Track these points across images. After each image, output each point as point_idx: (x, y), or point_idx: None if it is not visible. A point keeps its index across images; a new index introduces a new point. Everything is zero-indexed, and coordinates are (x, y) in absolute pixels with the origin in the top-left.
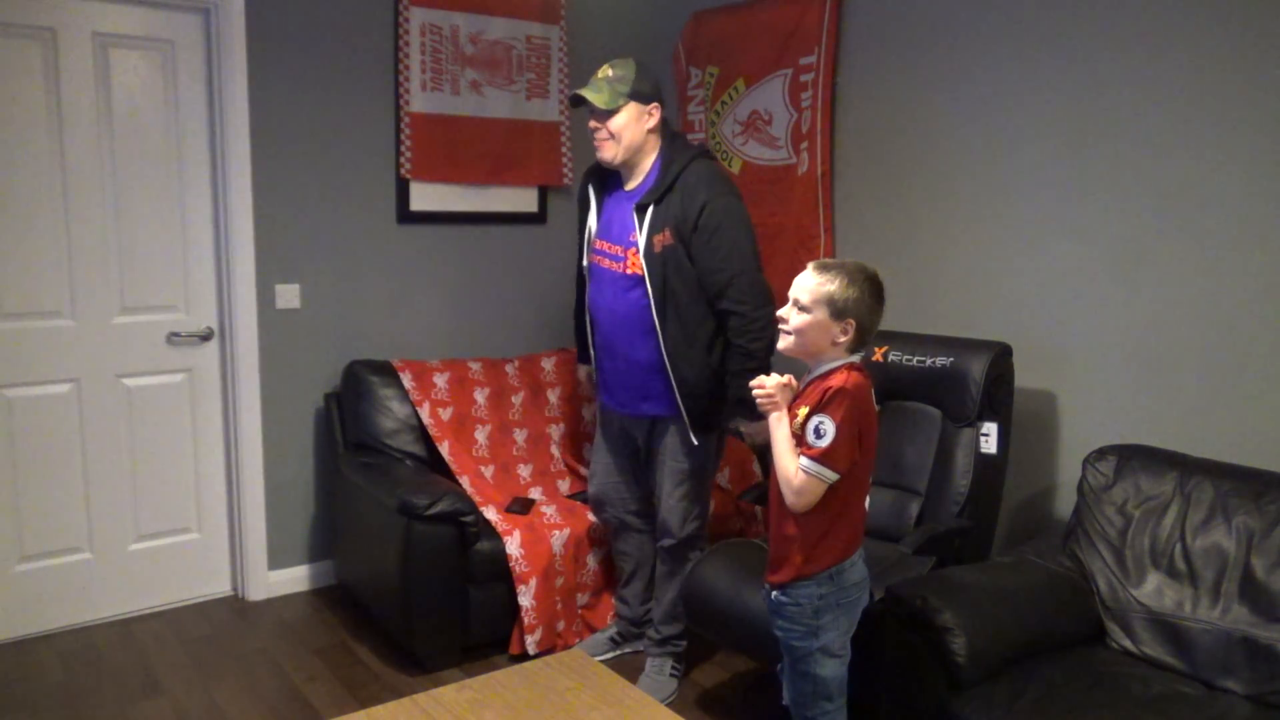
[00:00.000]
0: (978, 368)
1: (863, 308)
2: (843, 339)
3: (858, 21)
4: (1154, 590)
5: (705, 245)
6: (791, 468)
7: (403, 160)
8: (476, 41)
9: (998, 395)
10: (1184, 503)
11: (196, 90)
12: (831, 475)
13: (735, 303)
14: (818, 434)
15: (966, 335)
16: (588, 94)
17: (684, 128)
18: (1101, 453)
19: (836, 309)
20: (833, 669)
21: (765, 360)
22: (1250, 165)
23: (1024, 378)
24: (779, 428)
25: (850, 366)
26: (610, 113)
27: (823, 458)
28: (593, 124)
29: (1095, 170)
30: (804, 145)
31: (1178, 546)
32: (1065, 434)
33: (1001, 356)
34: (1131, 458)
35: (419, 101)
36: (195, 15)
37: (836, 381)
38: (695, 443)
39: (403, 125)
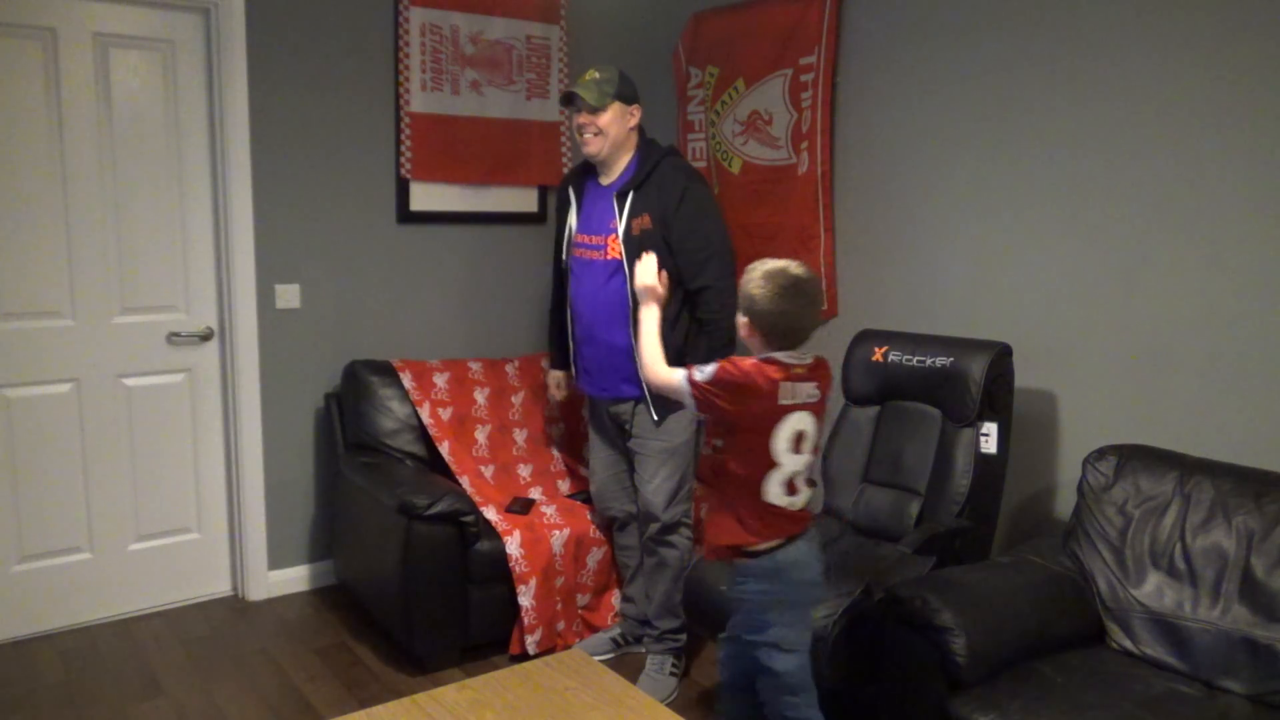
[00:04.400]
0: (978, 368)
1: (763, 308)
2: (751, 338)
3: (858, 21)
4: (1154, 590)
5: (689, 226)
6: (661, 356)
7: (403, 160)
8: (476, 41)
9: (998, 395)
10: (1184, 503)
11: (196, 90)
12: (685, 386)
13: (714, 277)
14: (702, 371)
15: (966, 335)
16: (580, 91)
17: (684, 128)
18: (1101, 453)
19: (743, 306)
20: (787, 663)
21: (732, 333)
22: (1250, 165)
23: (1024, 378)
24: (649, 319)
25: (766, 360)
26: (599, 110)
27: (692, 380)
28: (582, 120)
29: (1095, 169)
30: (804, 145)
31: (1178, 546)
32: (1065, 434)
33: (1001, 356)
34: (1131, 458)
35: (419, 101)
36: (195, 15)
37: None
38: (655, 418)
39: (403, 125)
